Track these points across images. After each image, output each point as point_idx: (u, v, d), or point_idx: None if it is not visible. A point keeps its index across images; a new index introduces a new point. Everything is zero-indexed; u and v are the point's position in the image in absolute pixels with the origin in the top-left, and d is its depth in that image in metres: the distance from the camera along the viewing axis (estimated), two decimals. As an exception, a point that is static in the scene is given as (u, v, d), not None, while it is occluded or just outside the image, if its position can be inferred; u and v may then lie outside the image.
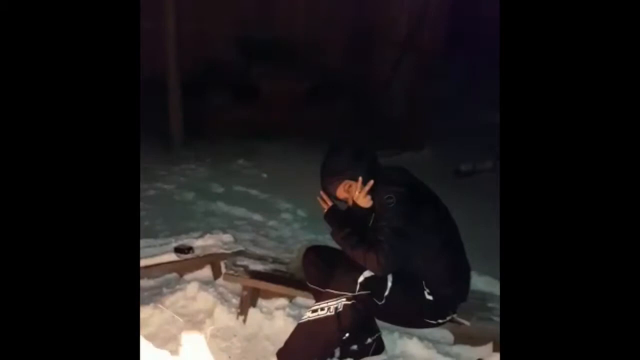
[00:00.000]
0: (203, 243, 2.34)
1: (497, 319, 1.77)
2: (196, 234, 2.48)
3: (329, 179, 1.63)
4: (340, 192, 1.63)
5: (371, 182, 1.56)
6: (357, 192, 1.57)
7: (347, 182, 1.60)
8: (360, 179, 1.57)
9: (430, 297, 1.58)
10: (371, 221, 1.60)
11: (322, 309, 1.52)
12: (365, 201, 1.59)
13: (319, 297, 1.58)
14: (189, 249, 2.25)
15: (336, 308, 1.50)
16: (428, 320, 1.63)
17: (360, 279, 1.50)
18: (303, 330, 1.55)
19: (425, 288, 1.58)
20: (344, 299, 1.50)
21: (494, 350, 1.75)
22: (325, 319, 1.51)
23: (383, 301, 1.53)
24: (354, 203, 1.62)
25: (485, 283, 2.29)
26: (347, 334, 1.57)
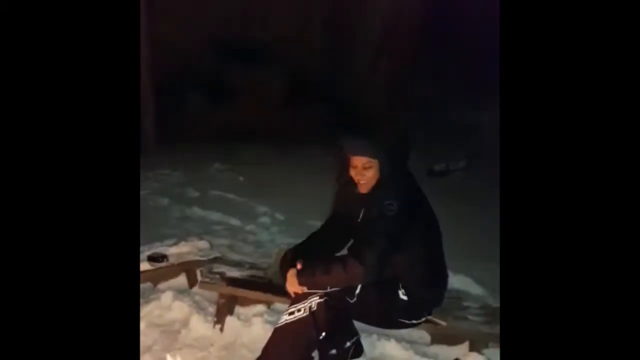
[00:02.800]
0: (178, 250, 2.29)
1: (473, 318, 1.80)
2: (170, 242, 2.42)
3: (361, 143, 1.55)
4: (357, 161, 1.56)
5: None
6: (368, 174, 1.54)
7: (370, 161, 1.55)
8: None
9: (404, 297, 1.61)
10: (360, 216, 1.61)
11: (298, 310, 1.54)
12: (365, 186, 1.57)
13: (294, 300, 1.58)
14: (163, 257, 2.19)
15: (310, 307, 1.52)
16: (402, 320, 1.66)
17: None
18: (281, 334, 1.55)
19: (400, 288, 1.61)
20: (317, 297, 1.53)
21: (470, 349, 1.78)
22: (302, 319, 1.52)
23: (355, 299, 1.55)
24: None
25: (460, 282, 2.33)
26: (323, 333, 1.57)
